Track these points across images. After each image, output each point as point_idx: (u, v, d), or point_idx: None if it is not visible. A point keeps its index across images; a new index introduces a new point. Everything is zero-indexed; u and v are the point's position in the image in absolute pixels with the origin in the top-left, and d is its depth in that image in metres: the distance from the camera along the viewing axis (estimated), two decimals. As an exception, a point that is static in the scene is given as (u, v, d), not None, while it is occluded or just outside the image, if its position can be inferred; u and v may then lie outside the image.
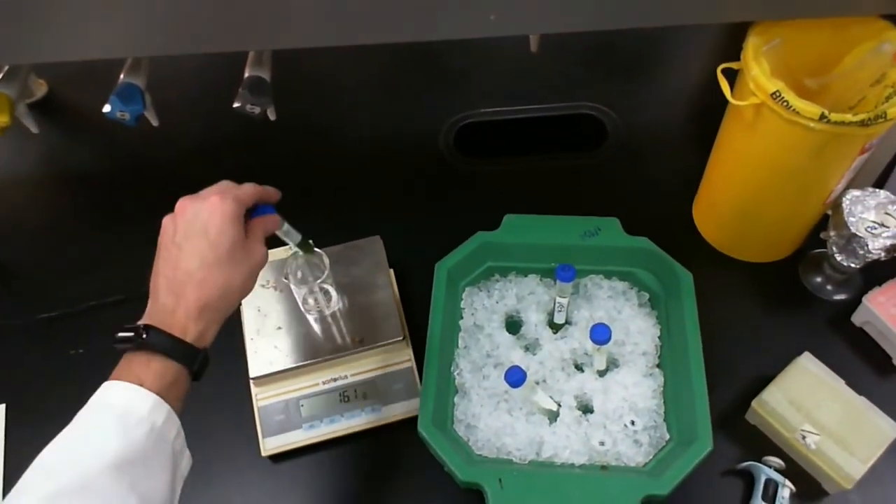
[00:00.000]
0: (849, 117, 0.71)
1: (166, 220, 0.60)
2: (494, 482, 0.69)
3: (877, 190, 0.82)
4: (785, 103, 0.72)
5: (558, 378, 0.80)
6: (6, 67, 0.89)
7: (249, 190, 0.63)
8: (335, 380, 0.81)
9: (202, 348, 0.58)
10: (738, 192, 0.88)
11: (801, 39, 0.78)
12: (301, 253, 0.75)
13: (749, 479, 0.78)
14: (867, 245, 0.80)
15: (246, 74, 0.88)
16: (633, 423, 0.76)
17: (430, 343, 0.78)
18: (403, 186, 1.04)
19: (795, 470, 0.78)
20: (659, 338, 0.83)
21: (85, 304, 0.91)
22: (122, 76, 0.86)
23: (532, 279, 0.87)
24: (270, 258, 0.87)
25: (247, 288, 0.61)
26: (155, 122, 0.91)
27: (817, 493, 0.78)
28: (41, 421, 0.80)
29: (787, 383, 0.80)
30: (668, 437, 0.76)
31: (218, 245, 0.58)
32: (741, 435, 0.81)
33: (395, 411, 0.81)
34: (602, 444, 0.75)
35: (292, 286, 0.79)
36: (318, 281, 0.78)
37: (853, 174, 0.82)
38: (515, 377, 0.72)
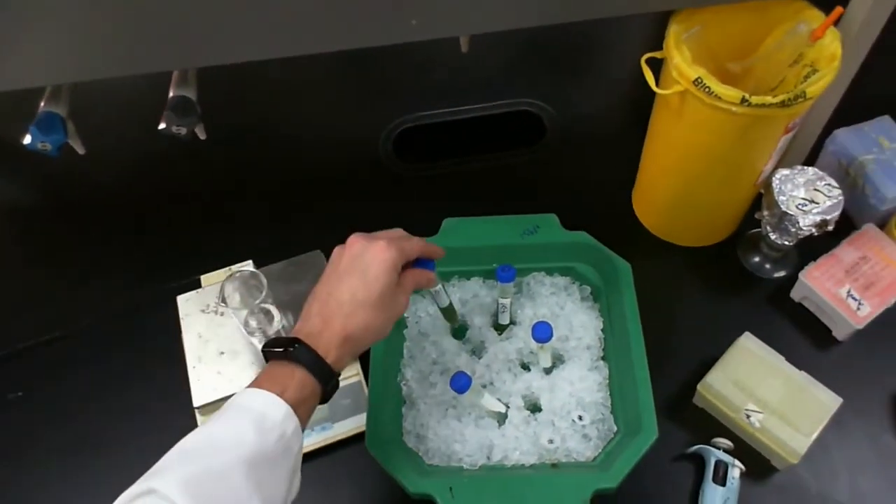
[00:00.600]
0: (769, 99, 0.72)
1: (337, 250, 0.66)
2: (445, 491, 0.69)
3: (805, 167, 0.84)
4: (707, 89, 0.73)
5: (505, 379, 0.80)
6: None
7: (416, 245, 0.68)
8: (283, 400, 0.80)
9: (336, 373, 0.62)
10: (671, 179, 0.89)
11: (721, 25, 0.79)
12: (445, 319, 0.80)
13: (700, 462, 0.79)
14: (798, 222, 0.81)
15: (171, 94, 0.86)
16: (580, 417, 0.77)
17: (373, 356, 0.78)
18: (344, 196, 1.03)
19: (744, 449, 0.79)
20: (602, 330, 0.84)
21: (19, 344, 0.89)
22: (41, 105, 0.83)
23: (475, 282, 0.87)
24: (208, 283, 0.87)
25: (383, 332, 0.64)
26: (81, 151, 0.88)
27: (767, 470, 0.80)
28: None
29: (730, 365, 0.81)
30: (615, 428, 0.77)
31: (371, 287, 0.62)
32: (690, 419, 0.82)
33: (346, 427, 0.80)
34: (551, 441, 0.75)
35: (230, 310, 0.78)
36: (258, 302, 0.77)
37: (780, 154, 0.84)
38: (461, 383, 0.72)
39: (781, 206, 0.82)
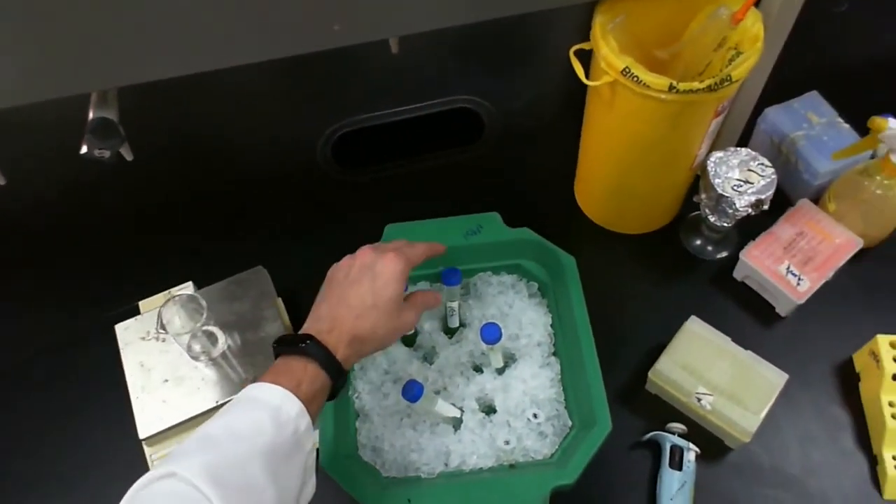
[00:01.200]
0: (696, 84, 0.72)
1: (345, 259, 0.70)
2: (404, 503, 0.68)
3: (738, 149, 0.85)
4: (635, 78, 0.73)
5: (458, 383, 0.80)
6: None
7: (420, 250, 0.73)
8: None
9: (345, 370, 0.64)
10: (609, 168, 0.90)
11: (645, 13, 0.79)
12: (443, 332, 0.84)
13: (656, 448, 0.80)
14: (735, 204, 0.82)
15: (90, 116, 0.83)
16: (535, 416, 0.77)
17: (323, 371, 0.76)
18: (285, 208, 1.01)
19: (698, 432, 0.80)
20: (551, 326, 0.84)
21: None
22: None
23: (422, 286, 0.86)
24: (147, 309, 0.84)
25: (387, 341, 0.68)
26: (2, 181, 0.85)
27: (721, 451, 0.81)
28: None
29: (678, 350, 0.82)
30: (570, 423, 0.77)
31: (380, 293, 0.66)
32: (645, 407, 0.83)
33: (301, 445, 0.79)
34: (507, 442, 0.75)
35: (171, 336, 0.76)
36: (199, 325, 0.76)
37: (713, 137, 0.84)
38: (413, 392, 0.72)
39: (717, 189, 0.82)
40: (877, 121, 0.81)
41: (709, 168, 0.84)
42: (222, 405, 0.77)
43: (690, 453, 0.78)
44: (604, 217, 0.97)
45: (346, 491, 0.70)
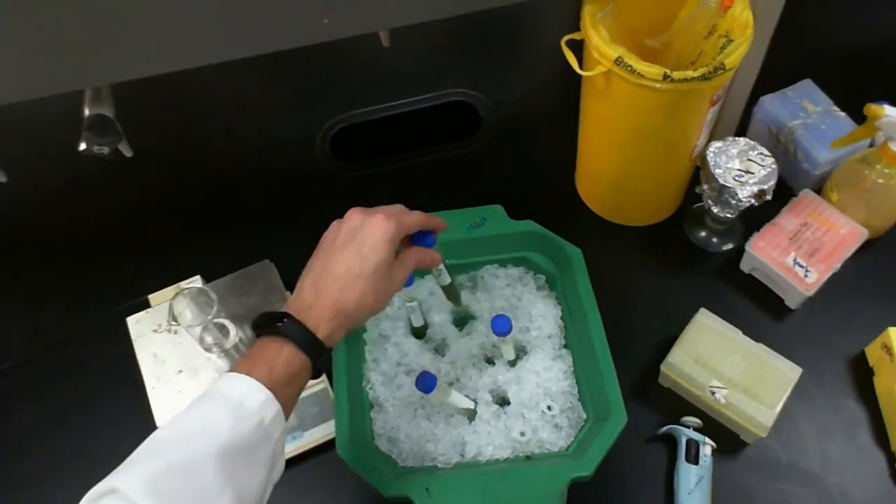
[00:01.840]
0: (690, 73, 0.72)
1: (334, 224, 0.65)
2: (421, 492, 0.68)
3: (737, 138, 0.85)
4: (629, 68, 0.73)
5: (471, 375, 0.79)
6: None
7: (415, 217, 0.66)
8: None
9: (328, 348, 0.60)
10: (609, 160, 0.90)
11: (634, 1, 0.79)
12: (447, 298, 0.76)
13: (672, 442, 0.79)
14: (737, 194, 0.82)
15: (86, 113, 0.82)
16: (549, 408, 0.76)
17: (335, 362, 0.76)
18: (287, 202, 1.01)
19: (714, 426, 0.80)
20: (561, 318, 0.83)
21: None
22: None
23: (430, 279, 0.85)
24: (157, 302, 0.83)
25: (377, 307, 0.63)
26: (2, 179, 0.84)
27: (737, 445, 0.80)
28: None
29: (689, 342, 0.81)
30: (585, 416, 0.77)
31: (367, 260, 0.61)
32: (658, 399, 0.83)
33: (316, 435, 0.79)
34: (523, 434, 0.74)
35: (183, 328, 0.75)
36: (210, 317, 0.75)
37: (710, 126, 0.85)
38: (426, 383, 0.71)
39: (719, 180, 0.83)
40: (872, 108, 0.81)
41: (708, 158, 0.84)
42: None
43: (706, 447, 0.77)
44: (606, 209, 0.97)
45: (362, 479, 0.69)
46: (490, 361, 0.81)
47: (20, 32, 0.59)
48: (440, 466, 0.74)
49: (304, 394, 0.78)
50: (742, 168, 0.83)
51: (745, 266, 0.91)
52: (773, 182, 0.82)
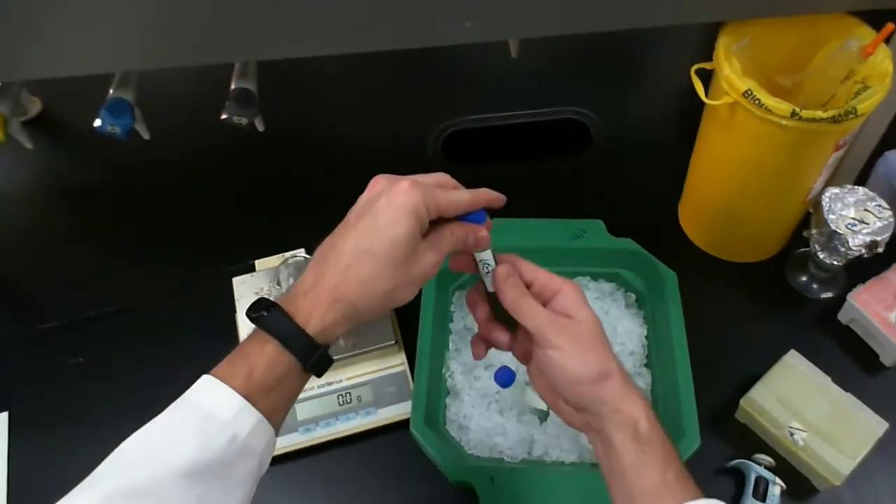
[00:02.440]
0: (819, 114, 0.72)
1: (364, 193, 0.54)
2: (486, 480, 0.69)
3: (856, 187, 0.84)
4: (757, 101, 0.73)
5: (548, 379, 0.80)
6: (-1, 84, 0.91)
7: (457, 197, 0.53)
8: (330, 384, 0.82)
9: (322, 344, 0.50)
10: (719, 191, 0.90)
11: (771, 38, 0.80)
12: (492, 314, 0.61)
13: (740, 477, 0.78)
14: (848, 242, 0.81)
15: (232, 86, 0.89)
16: (622, 421, 0.76)
17: (420, 346, 0.79)
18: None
19: (785, 468, 0.78)
20: (646, 337, 0.84)
21: (83, 314, 0.92)
22: (111, 91, 0.87)
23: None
24: (262, 268, 0.89)
25: (394, 296, 0.51)
26: (146, 136, 0.92)
27: (808, 491, 0.78)
28: (43, 429, 0.83)
29: (775, 381, 0.80)
30: (657, 434, 0.77)
31: (380, 234, 0.50)
32: (731, 433, 0.81)
33: (389, 414, 0.81)
34: (592, 442, 0.75)
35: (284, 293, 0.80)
36: (309, 287, 0.79)
37: (830, 171, 0.84)
38: (505, 378, 0.72)
39: (831, 225, 0.81)
40: None
41: (823, 203, 0.83)
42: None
43: (776, 487, 0.76)
44: (707, 241, 0.96)
45: (428, 462, 0.72)
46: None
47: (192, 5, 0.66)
48: (506, 460, 0.75)
49: (382, 373, 0.82)
50: (857, 217, 0.81)
51: (843, 317, 0.89)
52: (887, 235, 0.80)
